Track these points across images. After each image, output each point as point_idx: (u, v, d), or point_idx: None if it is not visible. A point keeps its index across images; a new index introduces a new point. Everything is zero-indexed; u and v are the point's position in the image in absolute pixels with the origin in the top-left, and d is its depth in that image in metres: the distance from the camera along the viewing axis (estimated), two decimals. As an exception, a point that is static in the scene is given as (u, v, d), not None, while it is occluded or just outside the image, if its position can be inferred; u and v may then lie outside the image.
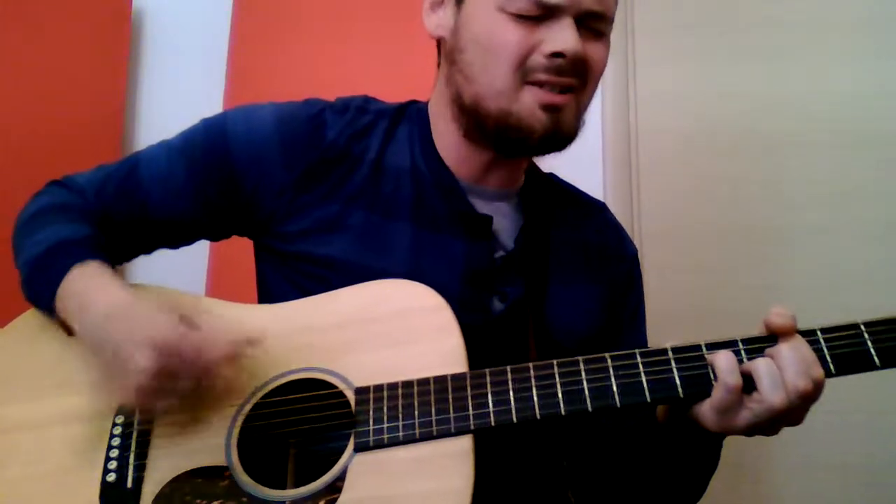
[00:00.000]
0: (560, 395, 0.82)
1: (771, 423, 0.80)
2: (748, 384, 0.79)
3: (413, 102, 1.09)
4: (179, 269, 1.43)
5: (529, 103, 0.92)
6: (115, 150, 1.78)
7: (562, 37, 0.90)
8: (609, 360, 0.83)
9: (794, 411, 0.79)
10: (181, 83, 1.88)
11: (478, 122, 0.96)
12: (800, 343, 0.80)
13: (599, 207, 1.16)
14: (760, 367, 0.79)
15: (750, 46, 1.76)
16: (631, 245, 1.15)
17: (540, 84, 0.92)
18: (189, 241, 1.06)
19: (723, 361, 0.80)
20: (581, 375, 0.82)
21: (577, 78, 0.93)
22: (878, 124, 1.66)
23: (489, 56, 0.92)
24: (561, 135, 0.94)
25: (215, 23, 1.86)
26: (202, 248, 1.51)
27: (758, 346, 0.82)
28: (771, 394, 0.78)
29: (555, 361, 0.84)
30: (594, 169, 1.78)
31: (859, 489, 1.57)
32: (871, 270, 1.61)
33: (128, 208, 1.00)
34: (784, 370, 0.78)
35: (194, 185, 0.99)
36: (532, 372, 0.83)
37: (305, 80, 1.77)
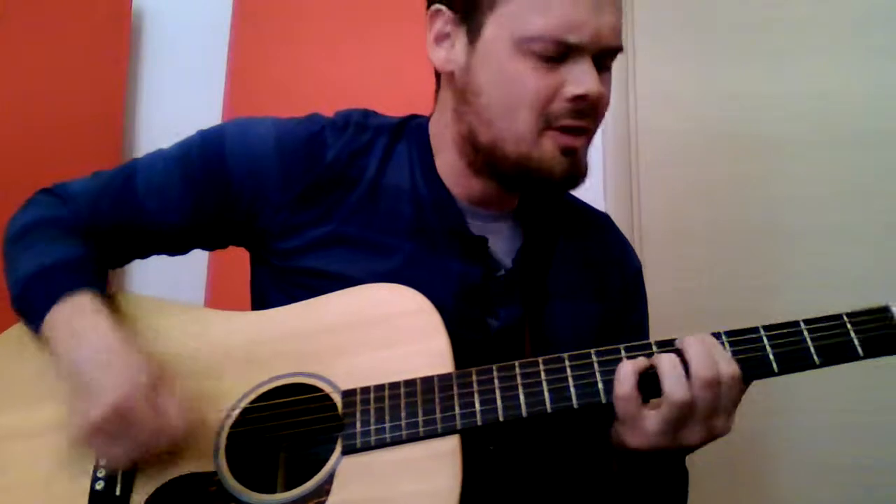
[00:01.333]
0: (546, 393, 0.82)
1: (684, 424, 0.80)
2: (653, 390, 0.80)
3: (413, 117, 1.07)
4: (179, 274, 1.43)
5: (550, 148, 0.92)
6: (115, 151, 1.78)
7: (584, 79, 0.90)
8: (594, 356, 0.83)
9: (713, 411, 0.79)
10: (181, 83, 1.88)
11: (493, 163, 0.95)
12: (708, 339, 0.81)
13: (603, 221, 1.15)
14: (662, 360, 0.80)
15: (750, 46, 1.75)
16: (635, 259, 1.14)
17: (560, 129, 0.92)
18: (184, 250, 1.06)
19: (618, 371, 0.81)
20: (566, 372, 0.83)
21: (592, 120, 0.94)
22: (877, 124, 1.64)
23: (510, 101, 0.92)
24: (577, 175, 0.95)
25: (215, 23, 1.86)
26: (202, 253, 1.52)
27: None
28: (675, 389, 0.78)
29: (540, 359, 0.84)
30: (594, 169, 1.75)
31: (858, 490, 1.56)
32: (871, 270, 1.60)
33: (123, 218, 1.00)
34: (691, 360, 0.79)
35: (191, 198, 0.99)
36: (518, 370, 0.84)
37: (305, 81, 1.78)
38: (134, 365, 0.84)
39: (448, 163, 1.01)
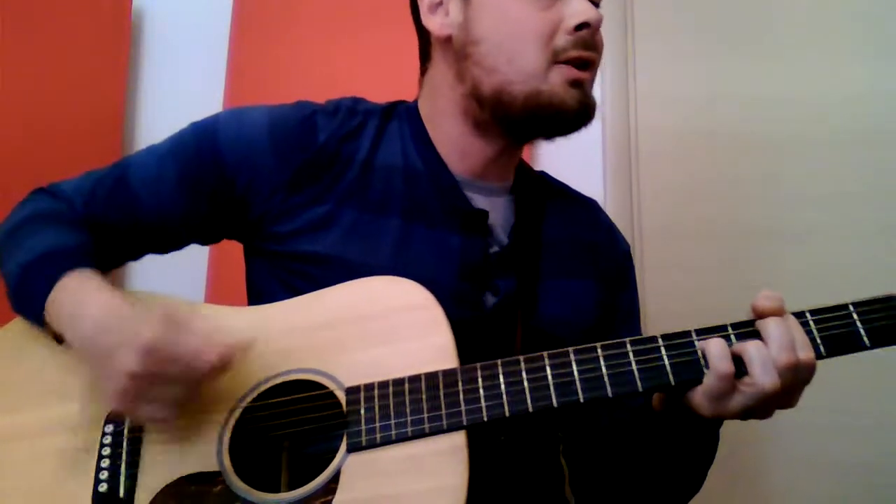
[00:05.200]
0: (552, 388, 0.81)
1: (764, 406, 0.80)
2: (739, 368, 0.79)
3: (400, 102, 1.09)
4: (179, 272, 1.43)
5: (559, 81, 0.94)
6: (115, 150, 1.78)
7: (581, 8, 0.94)
8: (599, 350, 0.83)
9: (786, 392, 0.79)
10: (181, 83, 1.88)
11: (501, 111, 0.97)
12: (790, 321, 0.80)
13: (591, 205, 1.17)
14: (750, 349, 0.78)
15: (750, 47, 1.75)
16: (623, 242, 1.15)
17: (566, 62, 0.94)
18: (179, 245, 1.05)
19: (714, 348, 0.79)
20: (572, 367, 0.82)
21: (595, 51, 0.97)
22: (878, 124, 1.64)
23: (513, 43, 0.94)
24: (589, 109, 0.97)
25: (215, 23, 1.86)
26: (202, 250, 1.51)
27: (747, 329, 0.81)
28: (762, 376, 0.77)
29: (545, 353, 0.83)
30: (594, 168, 1.78)
31: (856, 489, 1.56)
32: (870, 270, 1.60)
33: (118, 214, 1.00)
34: (773, 349, 0.78)
35: (185, 188, 0.99)
36: (523, 364, 0.83)
37: (305, 80, 1.78)
38: (144, 314, 0.82)
39: (445, 135, 1.03)
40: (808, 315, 0.81)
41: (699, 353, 0.81)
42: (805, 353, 0.79)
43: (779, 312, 0.80)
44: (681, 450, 0.93)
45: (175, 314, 0.83)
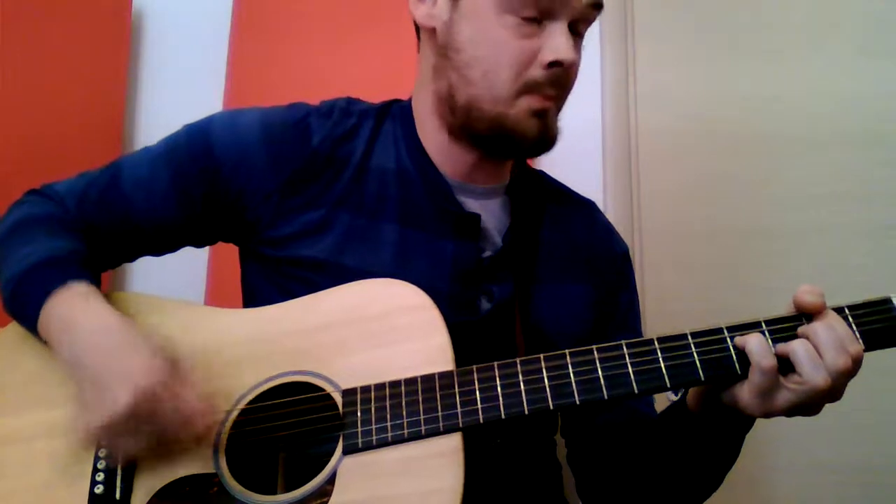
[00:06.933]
0: (548, 390, 0.82)
1: (813, 403, 0.79)
2: (783, 365, 0.78)
3: (396, 101, 1.09)
4: (179, 272, 1.43)
5: (524, 109, 0.94)
6: (115, 150, 1.78)
7: (559, 45, 0.92)
8: (595, 353, 0.83)
9: (835, 389, 0.78)
10: (181, 83, 1.87)
11: (469, 124, 0.97)
12: (834, 320, 0.79)
13: (588, 205, 1.16)
14: (798, 349, 0.78)
15: (750, 46, 1.75)
16: (621, 243, 1.15)
17: (534, 92, 0.94)
18: (173, 248, 1.05)
19: (754, 344, 0.79)
20: (568, 369, 0.82)
21: (563, 89, 0.97)
22: (878, 124, 1.64)
23: (490, 63, 0.93)
24: (548, 138, 0.98)
25: (215, 23, 1.86)
26: (202, 251, 1.51)
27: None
28: (813, 376, 0.76)
29: (542, 356, 0.83)
30: (594, 168, 1.78)
31: (856, 490, 1.56)
32: (871, 270, 1.60)
33: (110, 216, 0.99)
34: (823, 350, 0.77)
35: (178, 191, 0.99)
36: (519, 367, 0.83)
37: (306, 80, 1.77)
38: (143, 345, 0.83)
39: (432, 137, 1.02)
40: (846, 311, 0.81)
41: (694, 355, 0.81)
42: (853, 347, 0.78)
43: (822, 308, 0.80)
44: (713, 450, 0.92)
45: (178, 362, 0.83)
